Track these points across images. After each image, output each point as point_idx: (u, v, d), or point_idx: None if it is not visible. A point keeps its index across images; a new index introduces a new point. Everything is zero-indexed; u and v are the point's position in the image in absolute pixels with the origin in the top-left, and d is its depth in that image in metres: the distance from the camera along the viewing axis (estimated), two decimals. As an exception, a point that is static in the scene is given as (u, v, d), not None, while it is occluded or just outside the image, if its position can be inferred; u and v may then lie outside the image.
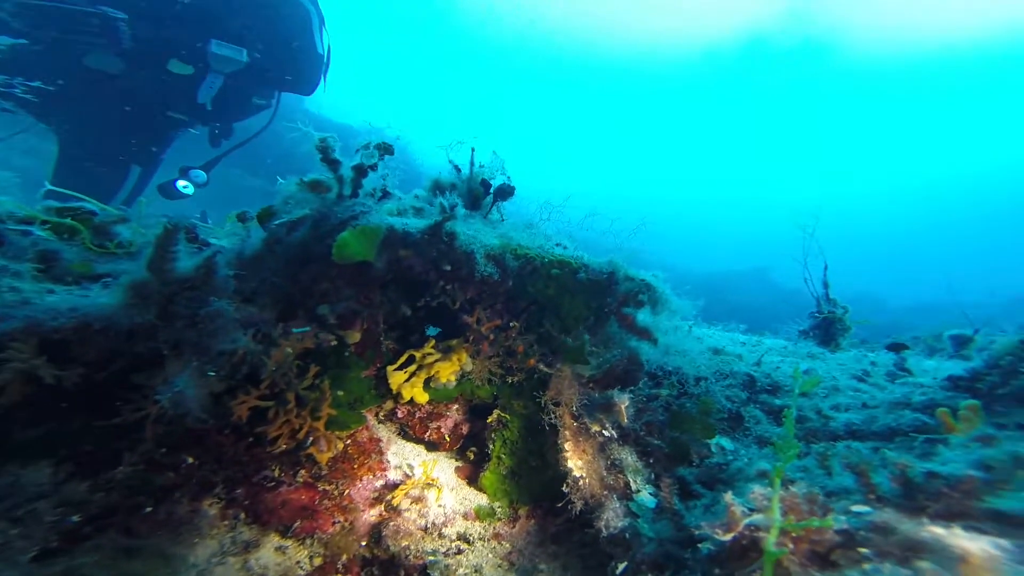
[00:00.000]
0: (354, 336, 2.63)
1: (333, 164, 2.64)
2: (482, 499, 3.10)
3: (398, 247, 2.62)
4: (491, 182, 3.23)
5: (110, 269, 2.23)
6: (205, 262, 2.07)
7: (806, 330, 5.19)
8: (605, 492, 2.47)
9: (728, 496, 1.67)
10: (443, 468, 3.23)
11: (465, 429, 3.42)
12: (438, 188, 3.24)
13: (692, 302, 2.93)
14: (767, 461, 2.32)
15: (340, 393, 2.65)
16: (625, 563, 2.08)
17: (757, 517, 1.52)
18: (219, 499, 2.42)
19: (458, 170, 3.23)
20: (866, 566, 1.41)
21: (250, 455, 2.46)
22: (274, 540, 2.55)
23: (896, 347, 3.58)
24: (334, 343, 2.59)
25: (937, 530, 1.52)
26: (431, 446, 3.40)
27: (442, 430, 3.39)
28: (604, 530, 2.24)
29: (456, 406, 3.38)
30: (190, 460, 2.28)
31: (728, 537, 1.56)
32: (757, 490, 1.66)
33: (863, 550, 1.45)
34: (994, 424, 2.13)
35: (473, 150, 3.14)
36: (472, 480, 3.24)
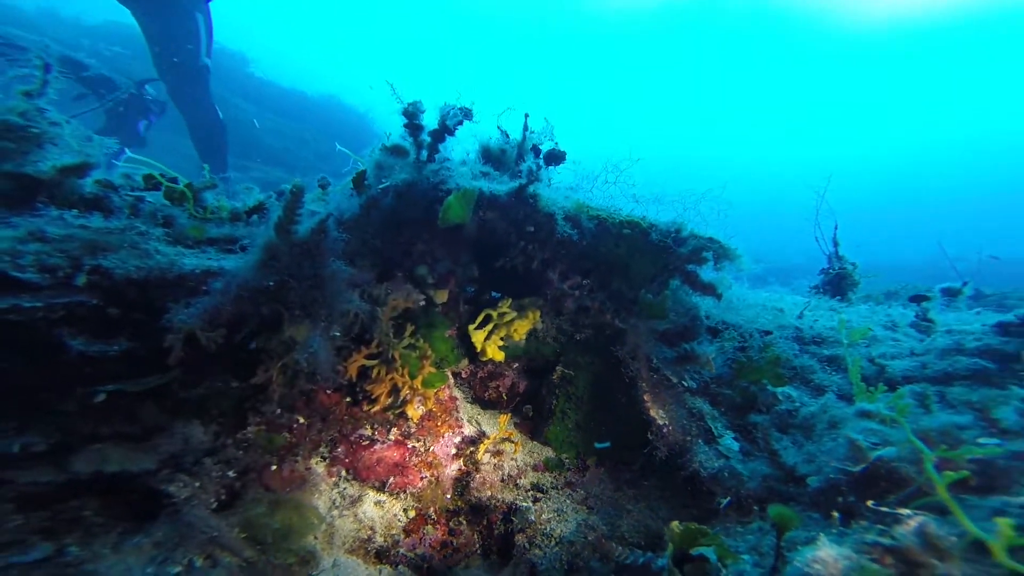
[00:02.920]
0: (442, 296, 2.68)
1: (416, 129, 2.63)
2: (548, 452, 3.23)
3: (485, 209, 2.66)
4: (540, 147, 3.26)
5: (217, 234, 2.22)
6: (319, 225, 2.08)
7: (818, 286, 5.44)
8: (688, 438, 2.62)
9: (848, 433, 1.83)
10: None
11: (521, 388, 3.53)
12: (488, 154, 3.26)
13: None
14: (843, 406, 2.51)
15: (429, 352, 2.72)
16: (728, 498, 2.24)
17: (888, 450, 1.69)
18: (323, 458, 2.49)
19: (506, 136, 3.24)
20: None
21: (350, 414, 2.53)
22: (371, 495, 2.65)
23: (918, 299, 3.80)
24: (423, 303, 2.65)
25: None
26: (488, 405, 3.51)
27: (500, 389, 3.50)
28: (702, 471, 2.40)
29: (516, 365, 3.48)
30: (301, 420, 2.34)
31: (858, 468, 1.72)
32: (874, 428, 1.82)
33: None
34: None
35: (527, 116, 3.15)
36: (534, 435, 3.37)
